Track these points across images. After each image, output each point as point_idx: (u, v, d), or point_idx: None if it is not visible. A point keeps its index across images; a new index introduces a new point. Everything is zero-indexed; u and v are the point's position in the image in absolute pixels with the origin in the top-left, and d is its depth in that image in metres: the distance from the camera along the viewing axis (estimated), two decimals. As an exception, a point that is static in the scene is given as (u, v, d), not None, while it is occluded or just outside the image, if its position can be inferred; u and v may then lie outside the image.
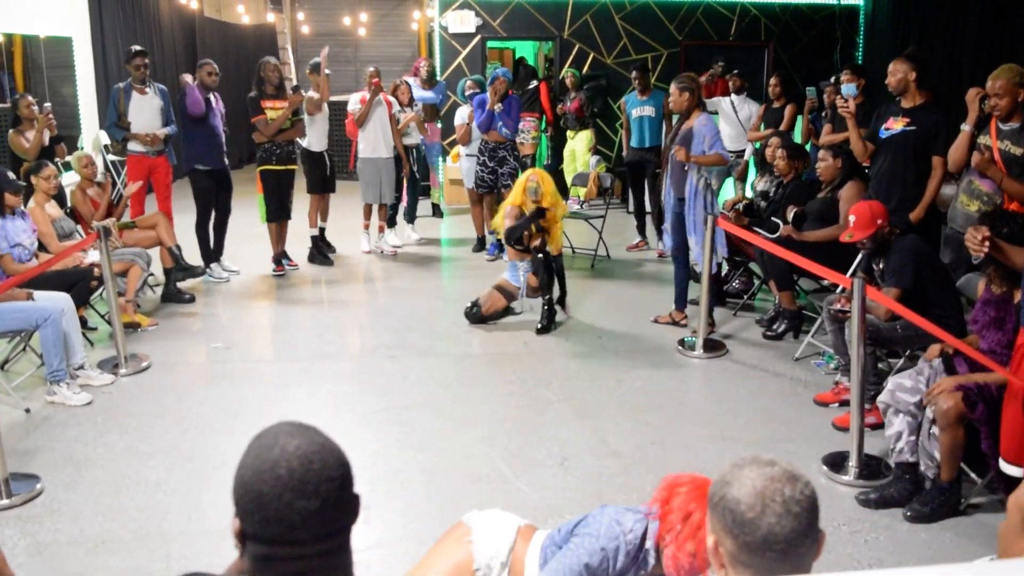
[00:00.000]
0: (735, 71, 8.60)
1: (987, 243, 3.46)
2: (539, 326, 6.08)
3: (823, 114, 7.35)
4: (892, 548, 3.43)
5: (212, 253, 7.47)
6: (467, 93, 8.14)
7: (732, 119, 8.47)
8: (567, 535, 2.29)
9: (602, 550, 2.15)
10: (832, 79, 7.46)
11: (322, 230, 8.32)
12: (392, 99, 8.40)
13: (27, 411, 4.72)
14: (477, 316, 6.20)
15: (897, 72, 5.11)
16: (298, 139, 7.73)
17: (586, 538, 2.19)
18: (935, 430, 3.57)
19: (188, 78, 7.30)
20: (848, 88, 5.53)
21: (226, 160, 7.41)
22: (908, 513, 3.62)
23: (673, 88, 5.77)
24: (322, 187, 8.11)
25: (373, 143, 8.10)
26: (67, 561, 3.36)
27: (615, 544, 2.15)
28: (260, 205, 7.63)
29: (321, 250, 8.20)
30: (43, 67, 9.25)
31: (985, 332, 3.67)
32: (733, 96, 8.55)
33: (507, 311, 6.39)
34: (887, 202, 4.89)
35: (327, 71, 7.81)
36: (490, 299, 6.24)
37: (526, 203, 6.12)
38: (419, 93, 9.06)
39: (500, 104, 7.78)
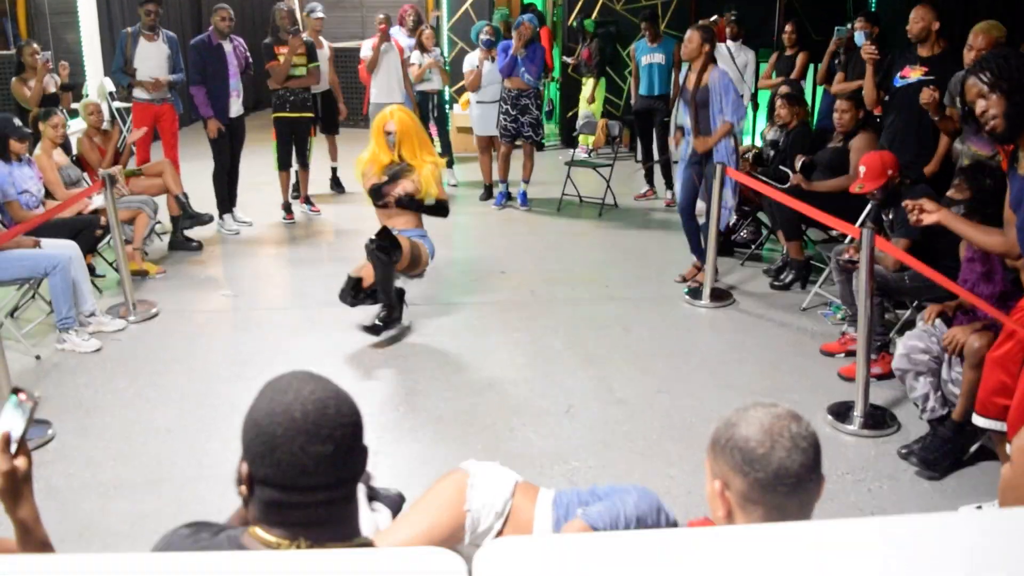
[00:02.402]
0: (732, 17, 8.47)
1: (920, 218, 3.45)
2: (372, 323, 4.89)
3: (836, 61, 7.24)
4: (895, 497, 3.46)
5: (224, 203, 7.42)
6: (482, 38, 8.00)
7: (730, 65, 8.34)
8: (609, 491, 2.34)
9: (656, 509, 2.28)
10: (848, 26, 7.33)
11: (333, 170, 8.62)
12: (403, 44, 8.35)
13: (37, 358, 4.76)
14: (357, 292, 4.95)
15: (921, 19, 4.97)
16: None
17: (642, 496, 2.27)
18: (955, 375, 3.56)
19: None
20: (859, 36, 5.44)
21: (235, 111, 7.17)
22: (914, 460, 3.62)
23: (692, 34, 5.54)
24: (321, 128, 8.34)
25: (386, 88, 8.11)
26: (80, 505, 3.42)
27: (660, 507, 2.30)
28: (274, 152, 7.59)
29: (337, 182, 8.70)
30: (46, 13, 9.15)
31: (976, 289, 3.65)
32: (729, 43, 8.42)
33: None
34: (902, 155, 4.84)
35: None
36: (364, 269, 4.94)
37: (385, 153, 5.04)
38: (405, 41, 8.86)
39: (524, 50, 7.68)
